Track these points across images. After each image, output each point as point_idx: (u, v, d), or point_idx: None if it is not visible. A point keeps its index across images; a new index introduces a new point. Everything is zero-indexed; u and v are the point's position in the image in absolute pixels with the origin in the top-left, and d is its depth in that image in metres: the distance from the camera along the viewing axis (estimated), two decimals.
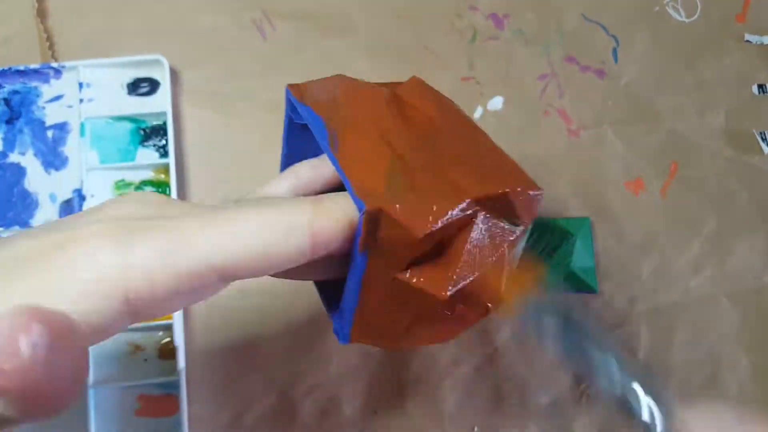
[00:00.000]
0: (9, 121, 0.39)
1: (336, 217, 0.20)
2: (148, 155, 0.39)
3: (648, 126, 0.42)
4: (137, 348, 0.37)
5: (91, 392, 0.35)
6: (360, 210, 0.20)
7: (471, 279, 0.22)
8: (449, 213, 0.21)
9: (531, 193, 0.23)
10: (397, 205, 0.20)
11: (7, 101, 0.39)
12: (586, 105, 0.42)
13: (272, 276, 0.22)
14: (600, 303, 0.39)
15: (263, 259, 0.19)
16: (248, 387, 0.37)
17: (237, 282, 0.38)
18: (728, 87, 0.43)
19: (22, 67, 0.39)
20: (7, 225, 0.38)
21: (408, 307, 0.22)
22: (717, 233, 0.41)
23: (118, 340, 0.37)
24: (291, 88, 0.25)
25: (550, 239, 0.38)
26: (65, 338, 0.16)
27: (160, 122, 0.39)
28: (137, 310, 0.18)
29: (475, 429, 0.37)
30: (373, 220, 0.20)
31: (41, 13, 0.40)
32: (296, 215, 0.20)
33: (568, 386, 0.38)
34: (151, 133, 0.40)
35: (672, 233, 0.40)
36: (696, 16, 0.44)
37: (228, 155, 0.40)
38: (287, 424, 0.37)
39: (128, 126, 0.39)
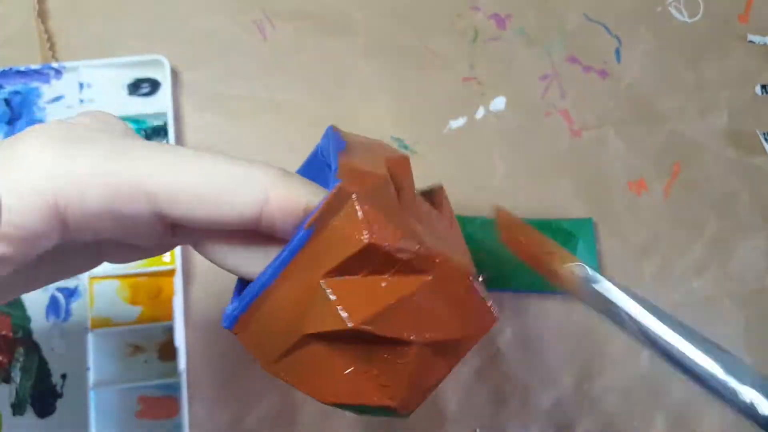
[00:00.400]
0: (10, 122, 0.39)
1: (298, 193, 0.19)
2: None
3: (650, 126, 0.42)
4: (137, 349, 0.37)
5: (91, 394, 0.35)
6: (332, 184, 0.19)
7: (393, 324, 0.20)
8: (409, 244, 0.20)
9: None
10: (367, 206, 0.19)
11: (7, 102, 0.39)
12: (588, 105, 0.42)
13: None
14: None
15: (200, 201, 0.18)
16: (249, 389, 0.37)
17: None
18: (731, 87, 0.43)
19: (22, 68, 0.39)
20: None
21: (311, 322, 0.20)
22: (719, 234, 0.40)
23: (118, 341, 0.37)
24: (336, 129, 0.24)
25: (552, 240, 0.38)
26: None
27: (160, 123, 0.39)
28: (67, 222, 0.17)
29: (477, 430, 0.37)
30: (339, 200, 0.19)
31: (42, 14, 0.40)
32: (254, 172, 0.19)
33: (570, 387, 0.38)
34: (152, 133, 0.39)
35: (674, 234, 0.40)
36: (698, 17, 0.44)
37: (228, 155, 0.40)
38: (288, 425, 0.37)
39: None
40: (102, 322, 0.37)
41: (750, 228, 0.41)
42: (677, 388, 0.38)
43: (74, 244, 0.19)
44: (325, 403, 0.20)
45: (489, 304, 0.23)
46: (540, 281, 0.38)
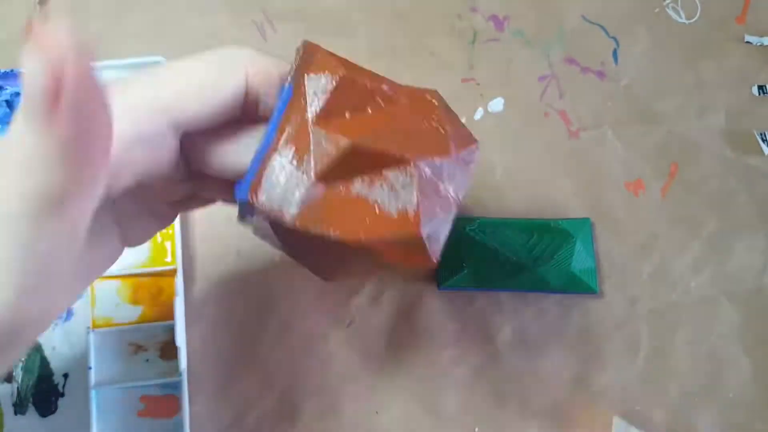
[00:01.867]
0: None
1: (273, 63, 0.22)
2: None
3: (648, 127, 0.42)
4: (139, 348, 0.37)
5: (93, 393, 0.35)
6: (298, 47, 0.22)
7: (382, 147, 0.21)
8: (379, 80, 0.22)
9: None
10: (334, 54, 0.22)
11: (9, 103, 0.39)
12: (587, 106, 0.42)
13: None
14: (600, 304, 0.39)
15: (201, 94, 0.21)
16: (250, 388, 0.37)
17: (240, 282, 0.38)
18: (728, 88, 0.43)
19: (23, 69, 0.39)
20: None
21: (317, 163, 0.21)
22: (717, 234, 0.41)
23: (120, 340, 0.37)
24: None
25: (551, 241, 0.38)
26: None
27: None
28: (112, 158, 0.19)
29: (476, 430, 0.37)
30: (309, 53, 0.22)
31: (42, 15, 0.40)
32: (233, 55, 0.22)
33: (569, 387, 0.38)
34: None
35: (672, 234, 0.41)
36: (696, 18, 0.44)
37: None
38: (288, 424, 0.37)
39: None
40: (103, 322, 0.37)
41: (747, 227, 0.41)
42: (675, 387, 0.38)
43: (95, 216, 0.20)
44: (355, 245, 0.21)
45: (465, 127, 0.24)
46: (539, 281, 0.38)
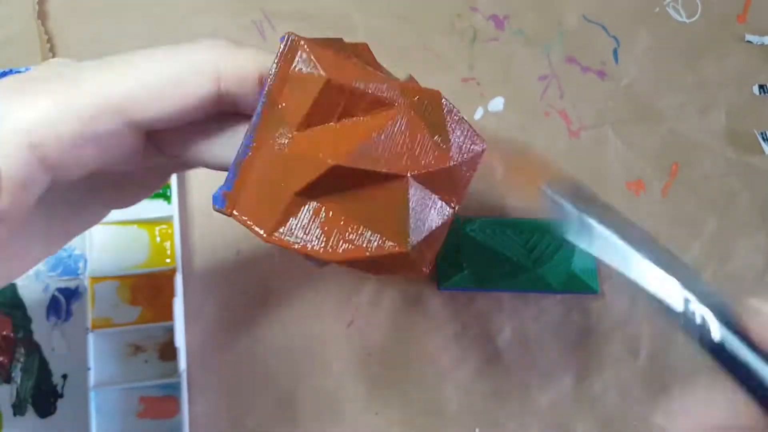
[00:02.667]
0: None
1: (249, 60, 0.20)
2: None
3: (649, 126, 0.42)
4: (138, 349, 0.37)
5: (92, 394, 0.35)
6: (282, 39, 0.19)
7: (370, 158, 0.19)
8: (371, 77, 0.19)
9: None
10: (319, 48, 0.19)
11: None
12: (587, 105, 0.42)
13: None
14: (601, 304, 0.39)
15: (162, 96, 0.19)
16: (249, 389, 0.37)
17: (239, 283, 0.38)
18: (729, 87, 0.43)
19: (23, 69, 0.39)
20: None
21: (295, 176, 0.19)
22: (718, 233, 0.41)
23: (119, 341, 0.37)
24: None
25: (551, 241, 0.38)
26: None
27: None
28: (48, 158, 0.18)
29: (477, 430, 0.37)
30: (291, 50, 0.19)
31: (42, 15, 0.40)
32: (202, 53, 0.19)
33: (569, 386, 0.38)
34: None
35: (673, 233, 0.40)
36: (697, 17, 0.44)
37: None
38: (288, 424, 0.37)
39: None
40: (102, 323, 0.37)
41: (748, 227, 0.41)
42: (676, 387, 0.38)
43: (71, 186, 0.19)
44: (336, 263, 0.20)
45: (473, 129, 0.22)
46: (539, 281, 0.38)
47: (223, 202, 0.20)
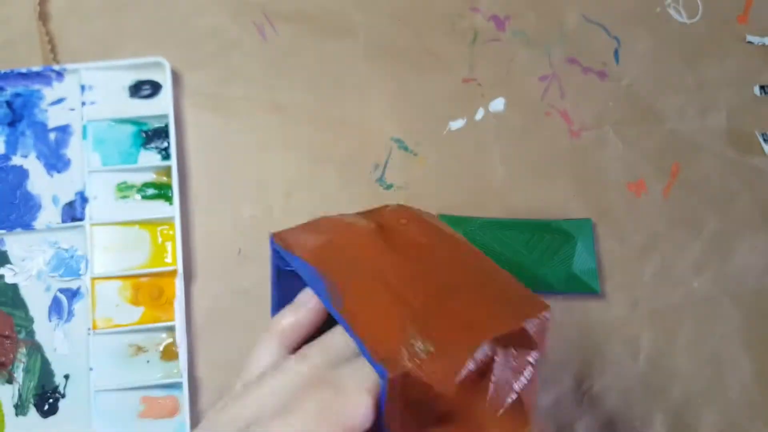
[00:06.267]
0: (11, 124, 0.39)
1: (360, 396, 0.19)
2: (150, 157, 0.39)
3: (649, 127, 0.42)
4: (139, 350, 0.37)
5: (93, 394, 0.35)
6: (383, 377, 0.18)
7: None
8: (471, 360, 0.20)
9: (544, 315, 0.21)
10: (419, 362, 0.19)
11: (9, 104, 0.39)
12: (588, 106, 0.42)
13: None
14: (602, 305, 0.39)
15: None
16: None
17: (239, 282, 0.38)
18: (730, 88, 0.43)
19: (24, 70, 0.39)
20: (10, 227, 0.38)
21: None
22: (719, 234, 0.41)
23: (121, 341, 0.37)
24: (276, 238, 0.24)
25: (552, 241, 0.38)
26: None
27: (161, 124, 0.39)
28: None
29: None
30: (397, 387, 0.19)
31: (43, 16, 0.40)
32: (318, 416, 0.19)
33: (569, 387, 0.38)
34: (152, 135, 0.40)
35: (674, 234, 0.40)
36: (697, 17, 0.44)
37: (229, 157, 0.40)
38: None
39: (130, 128, 0.40)
40: (104, 323, 0.37)
41: (749, 228, 0.41)
42: (676, 387, 0.38)
43: None
44: None
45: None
46: (539, 281, 0.38)
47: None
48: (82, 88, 0.39)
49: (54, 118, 0.39)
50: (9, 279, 0.37)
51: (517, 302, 0.22)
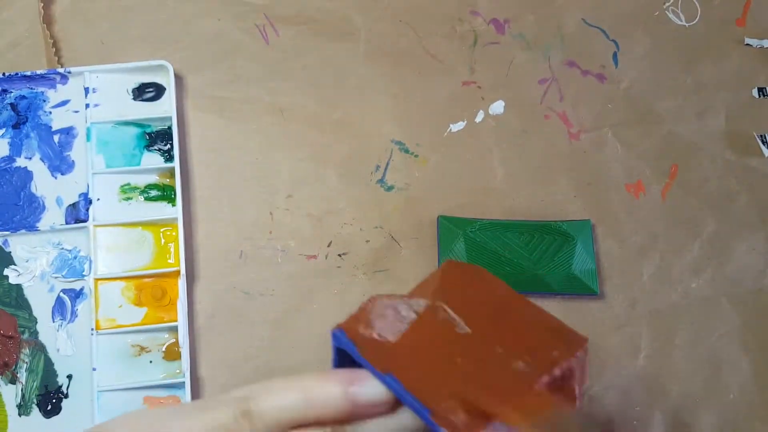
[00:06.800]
0: (16, 126, 0.40)
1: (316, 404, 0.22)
2: (153, 159, 0.40)
3: (648, 129, 0.42)
4: (142, 349, 0.37)
5: (96, 394, 0.36)
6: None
7: None
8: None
9: (584, 349, 0.23)
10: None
11: (14, 106, 0.40)
12: (587, 108, 0.42)
13: None
14: (601, 305, 0.39)
15: None
16: None
17: (241, 283, 0.38)
18: (728, 90, 0.43)
19: (28, 73, 0.39)
20: (14, 228, 0.38)
21: None
22: (717, 235, 0.41)
23: (124, 341, 0.37)
24: (345, 330, 0.25)
25: (551, 242, 0.39)
26: None
27: (165, 127, 0.40)
28: None
29: None
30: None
31: (47, 19, 0.41)
32: None
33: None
34: (156, 137, 0.40)
35: (672, 235, 0.41)
36: (696, 20, 0.44)
37: (231, 158, 0.40)
38: None
39: (134, 130, 0.40)
40: (107, 323, 0.37)
41: (747, 229, 0.41)
42: (675, 387, 0.38)
43: None
44: None
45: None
46: (539, 282, 0.38)
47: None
48: (86, 90, 0.40)
49: (58, 120, 0.40)
50: (13, 280, 0.38)
51: (562, 344, 0.23)
